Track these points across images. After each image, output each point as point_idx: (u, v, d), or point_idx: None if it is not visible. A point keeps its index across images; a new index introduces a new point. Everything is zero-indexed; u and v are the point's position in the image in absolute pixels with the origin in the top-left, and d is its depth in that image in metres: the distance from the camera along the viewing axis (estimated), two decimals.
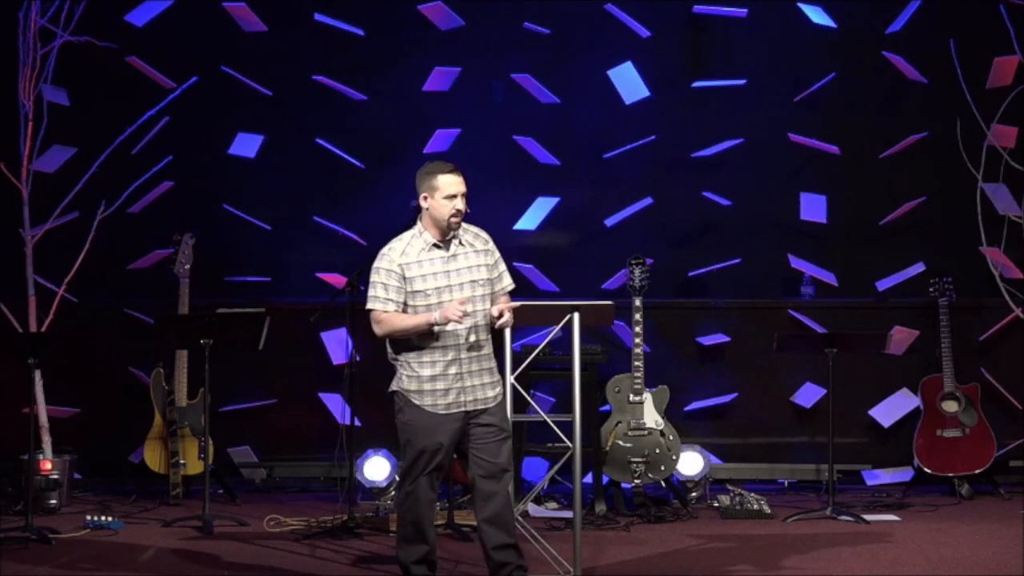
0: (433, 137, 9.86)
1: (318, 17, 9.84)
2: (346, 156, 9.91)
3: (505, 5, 9.84)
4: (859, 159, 9.85)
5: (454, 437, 6.34)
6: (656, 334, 9.61)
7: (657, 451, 8.82)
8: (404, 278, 6.34)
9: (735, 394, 9.80)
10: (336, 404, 9.65)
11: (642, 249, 9.21)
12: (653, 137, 9.86)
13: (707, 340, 9.82)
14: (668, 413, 8.93)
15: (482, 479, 6.34)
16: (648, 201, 9.88)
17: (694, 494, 9.00)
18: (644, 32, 9.82)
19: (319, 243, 9.91)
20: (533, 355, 6.79)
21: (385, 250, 6.44)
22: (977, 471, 9.17)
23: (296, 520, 8.28)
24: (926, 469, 9.18)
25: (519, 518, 6.56)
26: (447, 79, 9.83)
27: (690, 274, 9.93)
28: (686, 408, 9.72)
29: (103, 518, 8.18)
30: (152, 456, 9.08)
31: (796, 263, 9.83)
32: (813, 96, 9.79)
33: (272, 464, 9.92)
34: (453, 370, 6.30)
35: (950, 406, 9.23)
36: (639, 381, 8.85)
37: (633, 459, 8.81)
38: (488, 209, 9.91)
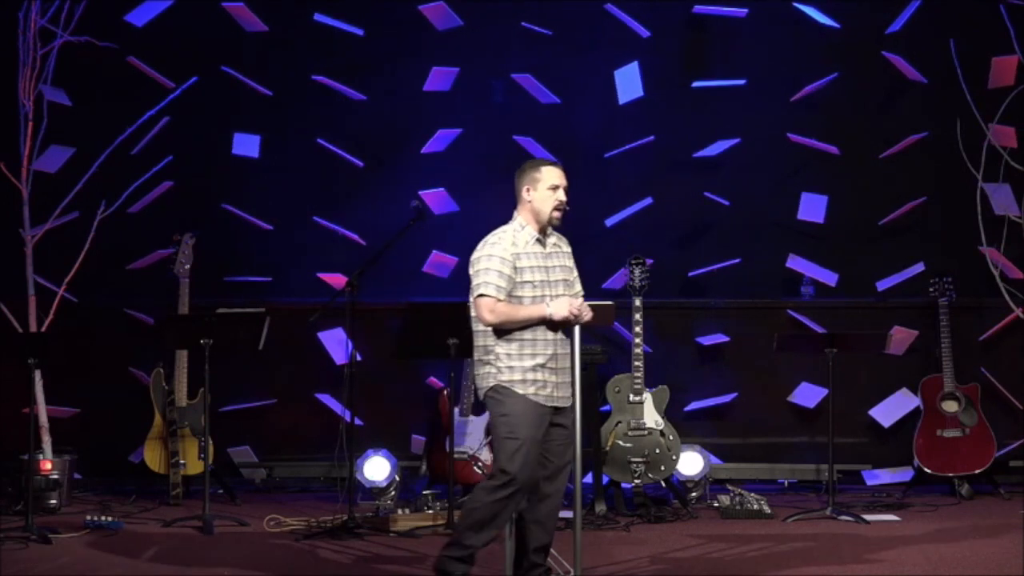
0: (433, 137, 9.86)
1: (318, 17, 9.85)
2: (346, 156, 9.91)
3: (505, 5, 9.85)
4: (859, 159, 9.86)
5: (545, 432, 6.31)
6: (656, 334, 9.61)
7: (657, 451, 8.82)
8: (515, 268, 6.30)
9: (735, 394, 9.81)
10: (336, 404, 9.66)
11: (642, 249, 9.21)
12: (653, 137, 9.87)
13: (707, 340, 9.83)
14: (668, 413, 8.94)
15: (543, 480, 6.33)
16: (648, 201, 9.88)
17: (694, 494, 9.00)
18: (644, 32, 9.82)
19: (319, 243, 9.91)
20: None
21: (493, 239, 6.37)
22: (977, 471, 9.17)
23: (296, 520, 8.28)
24: (926, 469, 9.18)
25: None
26: (447, 79, 9.83)
27: (690, 274, 9.93)
28: (686, 408, 9.72)
29: (103, 518, 8.18)
30: (152, 456, 9.08)
31: (796, 263, 9.83)
32: (813, 96, 9.80)
33: (272, 464, 9.93)
34: (551, 364, 6.30)
35: (950, 406, 9.24)
36: (639, 381, 8.85)
37: (633, 459, 8.81)
38: (488, 209, 9.94)
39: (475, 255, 6.37)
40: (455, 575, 6.32)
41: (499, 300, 6.25)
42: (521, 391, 6.26)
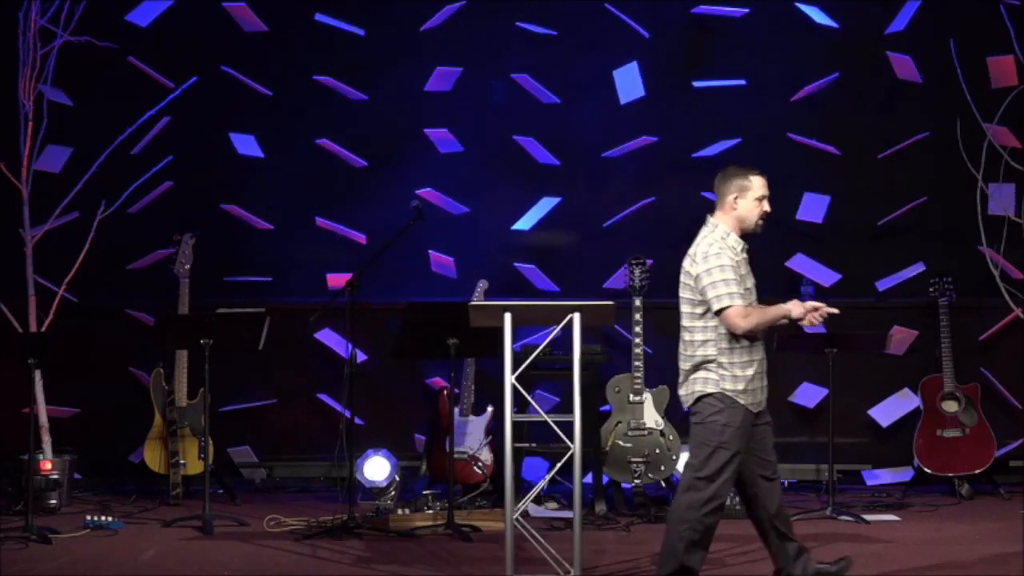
0: (433, 136, 9.86)
1: (318, 17, 9.85)
2: (347, 156, 9.91)
3: (506, 5, 9.84)
4: (859, 159, 9.85)
5: None
6: (656, 334, 9.60)
7: (657, 451, 8.82)
8: (739, 273, 6.31)
9: None
10: (337, 404, 9.66)
11: (642, 249, 9.21)
12: (654, 138, 9.86)
13: None
14: (668, 413, 8.93)
15: (765, 480, 6.36)
16: (648, 201, 9.88)
17: None
18: (644, 32, 9.82)
19: (319, 243, 9.91)
20: (534, 355, 6.78)
21: (714, 250, 6.30)
22: (977, 471, 9.17)
23: (296, 520, 8.28)
24: (926, 469, 9.19)
25: (519, 518, 6.55)
26: (447, 79, 9.83)
27: None
28: (686, 408, 9.70)
29: (103, 518, 8.18)
30: (152, 456, 9.07)
31: (796, 263, 9.83)
32: (813, 96, 9.80)
33: (272, 464, 9.93)
34: (762, 370, 6.34)
35: (950, 406, 9.24)
36: (639, 381, 8.85)
37: (633, 459, 8.81)
38: (488, 209, 9.96)
39: (699, 269, 6.28)
40: None
41: (746, 306, 6.24)
42: (742, 401, 6.26)
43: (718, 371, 6.26)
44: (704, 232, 6.42)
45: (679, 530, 6.24)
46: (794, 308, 6.28)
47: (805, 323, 6.33)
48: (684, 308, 6.35)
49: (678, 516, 6.27)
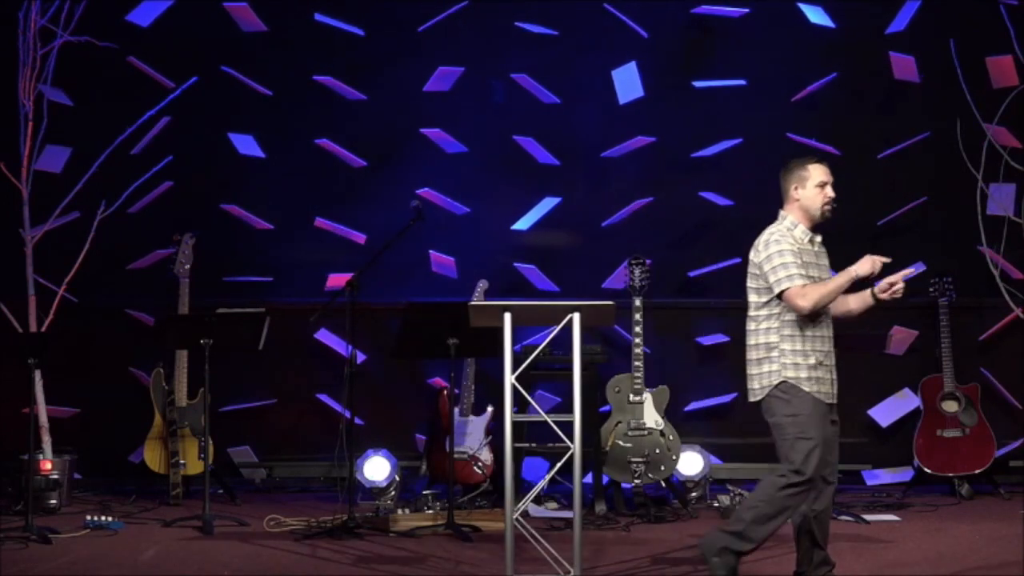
0: (433, 136, 9.86)
1: (318, 17, 9.85)
2: (346, 156, 9.91)
3: (506, 5, 9.84)
4: (859, 159, 9.85)
5: None
6: (656, 334, 9.61)
7: (657, 451, 8.82)
8: (801, 259, 6.33)
9: (735, 394, 9.80)
10: (336, 404, 9.67)
11: (642, 249, 9.21)
12: (654, 138, 9.86)
13: (707, 340, 9.83)
14: (668, 413, 8.94)
15: (824, 480, 6.38)
16: (647, 200, 9.88)
17: (694, 494, 9.00)
18: (644, 32, 9.82)
19: (319, 243, 9.91)
20: (534, 355, 6.78)
21: (775, 238, 6.38)
22: (977, 471, 9.17)
23: (296, 520, 8.28)
24: (926, 469, 9.19)
25: (519, 518, 6.55)
26: (447, 79, 9.84)
27: (690, 274, 9.93)
28: (686, 408, 9.72)
29: (103, 518, 8.18)
30: (152, 456, 9.08)
31: None
32: (813, 96, 9.80)
33: (272, 464, 9.94)
34: (827, 362, 6.36)
35: (950, 406, 9.24)
36: (639, 381, 8.85)
37: (633, 459, 8.81)
38: (488, 209, 9.96)
39: (761, 256, 6.39)
40: (719, 572, 6.32)
41: (805, 286, 6.26)
42: (807, 388, 6.32)
43: (780, 359, 6.35)
44: (772, 224, 6.47)
45: (753, 501, 6.33)
46: (860, 265, 6.29)
47: (875, 274, 6.31)
48: (750, 298, 6.47)
49: (758, 491, 6.35)
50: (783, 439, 6.34)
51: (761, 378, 6.41)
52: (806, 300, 6.27)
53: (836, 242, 9.81)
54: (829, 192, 6.42)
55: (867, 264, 6.30)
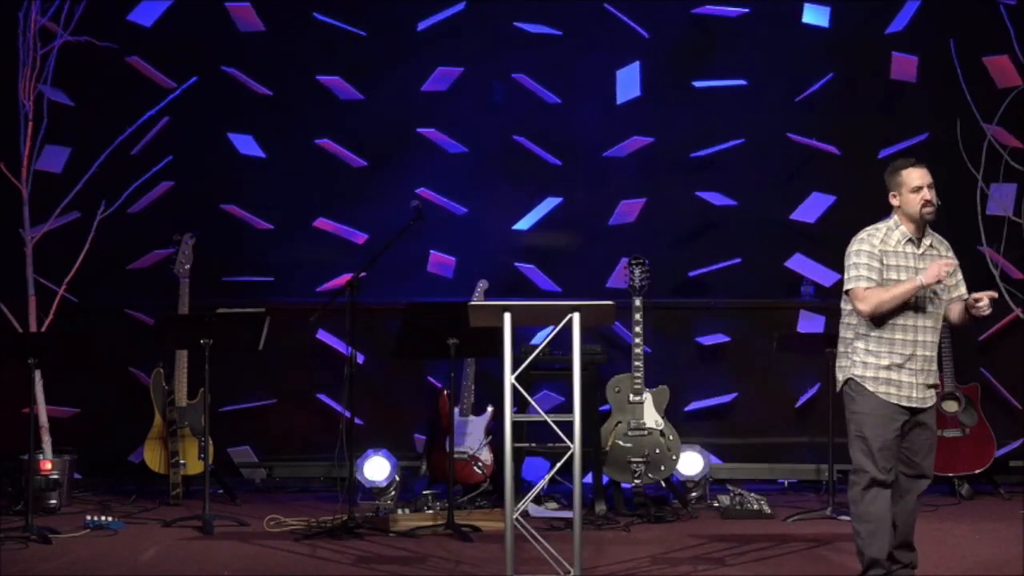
0: (433, 136, 9.86)
1: (318, 17, 9.85)
2: (347, 156, 9.91)
3: (506, 5, 9.84)
4: (859, 159, 9.85)
5: (899, 432, 6.35)
6: (656, 334, 9.61)
7: (657, 451, 8.82)
8: (882, 262, 6.36)
9: (735, 394, 9.81)
10: (336, 404, 9.66)
11: (642, 249, 9.21)
12: (654, 138, 9.86)
13: (707, 340, 9.83)
14: (668, 413, 8.93)
15: (905, 476, 6.41)
16: (645, 200, 9.87)
17: (694, 494, 9.00)
18: (644, 32, 9.82)
19: (319, 243, 9.91)
20: (534, 355, 6.78)
21: (864, 235, 6.43)
22: (977, 471, 9.18)
23: (296, 520, 8.28)
24: None
25: (519, 518, 6.55)
26: (447, 79, 9.83)
27: (690, 274, 9.93)
28: (686, 408, 9.72)
29: (103, 518, 8.18)
30: (152, 456, 9.07)
31: (796, 263, 9.83)
32: (813, 96, 9.79)
33: (272, 464, 9.93)
34: (909, 365, 6.33)
35: (950, 406, 9.24)
36: (639, 381, 8.85)
37: (633, 459, 8.81)
38: (488, 209, 9.96)
39: (848, 250, 6.48)
40: None
41: (867, 288, 6.30)
42: (872, 388, 6.33)
43: (853, 356, 6.38)
44: (881, 221, 6.51)
45: (855, 528, 6.43)
46: (927, 274, 6.27)
47: (943, 281, 6.32)
48: (843, 292, 6.51)
49: (852, 514, 6.46)
50: (849, 437, 6.44)
51: (840, 371, 6.48)
52: (866, 304, 6.31)
53: (837, 242, 9.90)
54: (926, 195, 6.40)
55: (933, 272, 6.28)
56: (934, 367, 6.41)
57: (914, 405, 6.35)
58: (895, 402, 6.33)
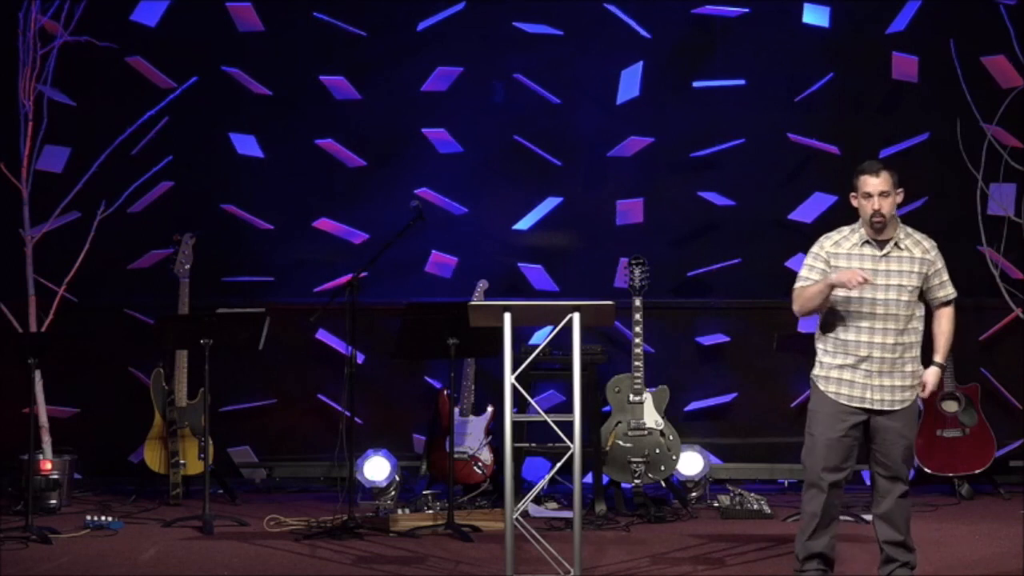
0: (433, 136, 9.86)
1: (318, 16, 9.84)
2: (347, 156, 9.90)
3: (506, 5, 9.84)
4: (859, 159, 9.82)
5: (854, 433, 6.38)
6: (656, 334, 9.60)
7: (657, 451, 8.82)
8: (829, 265, 6.41)
9: (735, 394, 9.81)
10: (337, 404, 9.66)
11: (642, 249, 9.21)
12: (654, 138, 9.86)
13: (707, 340, 9.83)
14: (668, 413, 8.94)
15: (881, 477, 6.44)
16: (648, 201, 9.87)
17: (694, 494, 9.00)
18: (644, 32, 9.82)
19: (319, 243, 9.90)
20: (534, 355, 6.78)
21: (823, 237, 6.53)
22: (977, 471, 9.18)
23: (296, 520, 8.28)
24: (926, 469, 9.18)
25: (519, 518, 6.56)
26: (447, 79, 9.83)
27: (690, 274, 9.92)
28: (686, 408, 9.72)
29: (103, 518, 8.18)
30: (152, 456, 9.07)
31: (796, 263, 9.82)
32: (813, 96, 9.79)
33: (272, 464, 9.93)
34: (864, 366, 6.35)
35: (950, 406, 9.24)
36: (639, 381, 8.85)
37: (633, 459, 8.81)
38: (488, 209, 9.96)
39: None
40: None
41: (797, 287, 6.43)
42: (823, 387, 6.41)
43: (818, 356, 6.49)
44: None
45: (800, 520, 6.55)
46: (838, 276, 6.32)
47: (851, 287, 6.32)
48: None
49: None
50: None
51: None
52: (794, 303, 6.47)
53: None
54: (875, 204, 6.44)
55: (845, 275, 6.29)
56: (908, 368, 6.38)
57: (868, 407, 6.37)
58: (844, 402, 6.37)
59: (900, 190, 6.54)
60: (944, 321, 6.52)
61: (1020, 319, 9.50)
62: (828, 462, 6.38)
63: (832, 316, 6.40)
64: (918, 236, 6.55)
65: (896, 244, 6.46)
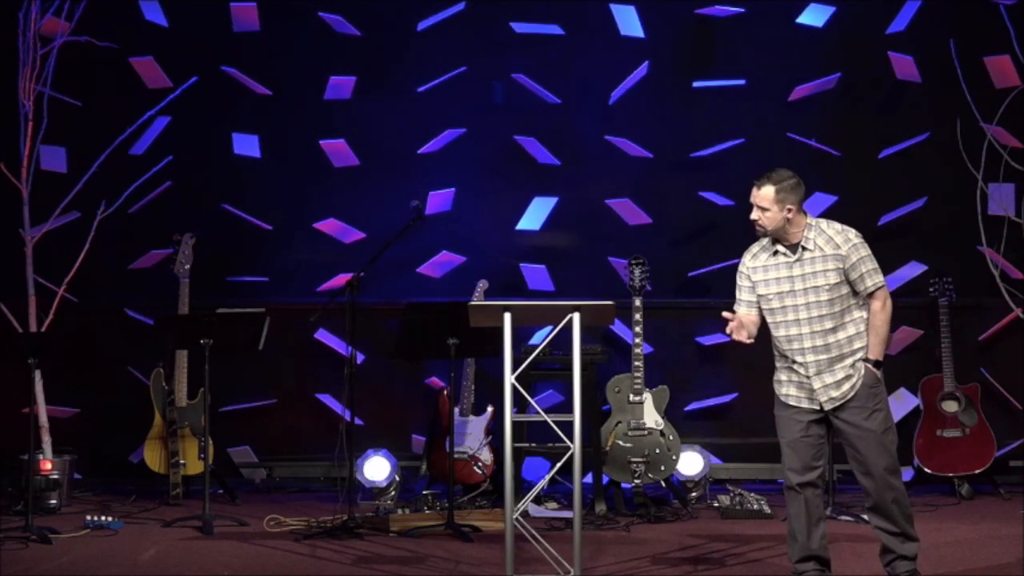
0: (433, 137, 9.86)
1: (318, 16, 9.84)
2: (346, 156, 9.90)
3: (506, 5, 9.84)
4: (859, 159, 9.85)
5: (816, 431, 6.44)
6: (656, 334, 9.60)
7: (657, 451, 8.83)
8: (751, 280, 6.51)
9: (735, 394, 9.81)
10: (336, 404, 9.67)
11: (642, 249, 9.21)
12: (653, 138, 9.86)
13: (707, 340, 9.83)
14: (668, 413, 8.94)
15: (860, 475, 6.50)
16: (648, 201, 9.88)
17: (694, 494, 9.00)
18: (644, 33, 9.82)
19: (319, 243, 9.91)
20: (534, 355, 6.78)
21: (745, 251, 6.63)
22: (977, 471, 9.17)
23: (296, 520, 8.29)
24: (926, 469, 9.19)
25: (519, 518, 6.56)
26: (445, 79, 9.83)
27: (690, 274, 9.92)
28: (686, 408, 9.72)
29: (103, 518, 8.18)
30: (152, 456, 9.08)
31: None
32: (813, 96, 9.79)
33: (272, 464, 9.93)
34: (798, 368, 6.43)
35: (950, 406, 9.24)
36: (639, 381, 8.85)
37: (633, 459, 8.81)
38: (488, 209, 9.96)
39: None
40: None
41: (737, 312, 6.54)
42: (777, 392, 6.54)
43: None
44: None
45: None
46: (728, 329, 6.51)
47: (734, 334, 6.51)
48: None
49: None
50: None
51: None
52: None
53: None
54: (753, 213, 6.55)
55: (729, 328, 6.49)
56: (847, 362, 6.38)
57: (817, 407, 6.43)
58: (793, 404, 6.46)
59: (789, 207, 6.46)
60: (872, 314, 6.45)
61: (1020, 319, 9.50)
62: (793, 463, 6.46)
63: (771, 324, 6.49)
64: (832, 231, 6.49)
65: (804, 247, 6.46)
